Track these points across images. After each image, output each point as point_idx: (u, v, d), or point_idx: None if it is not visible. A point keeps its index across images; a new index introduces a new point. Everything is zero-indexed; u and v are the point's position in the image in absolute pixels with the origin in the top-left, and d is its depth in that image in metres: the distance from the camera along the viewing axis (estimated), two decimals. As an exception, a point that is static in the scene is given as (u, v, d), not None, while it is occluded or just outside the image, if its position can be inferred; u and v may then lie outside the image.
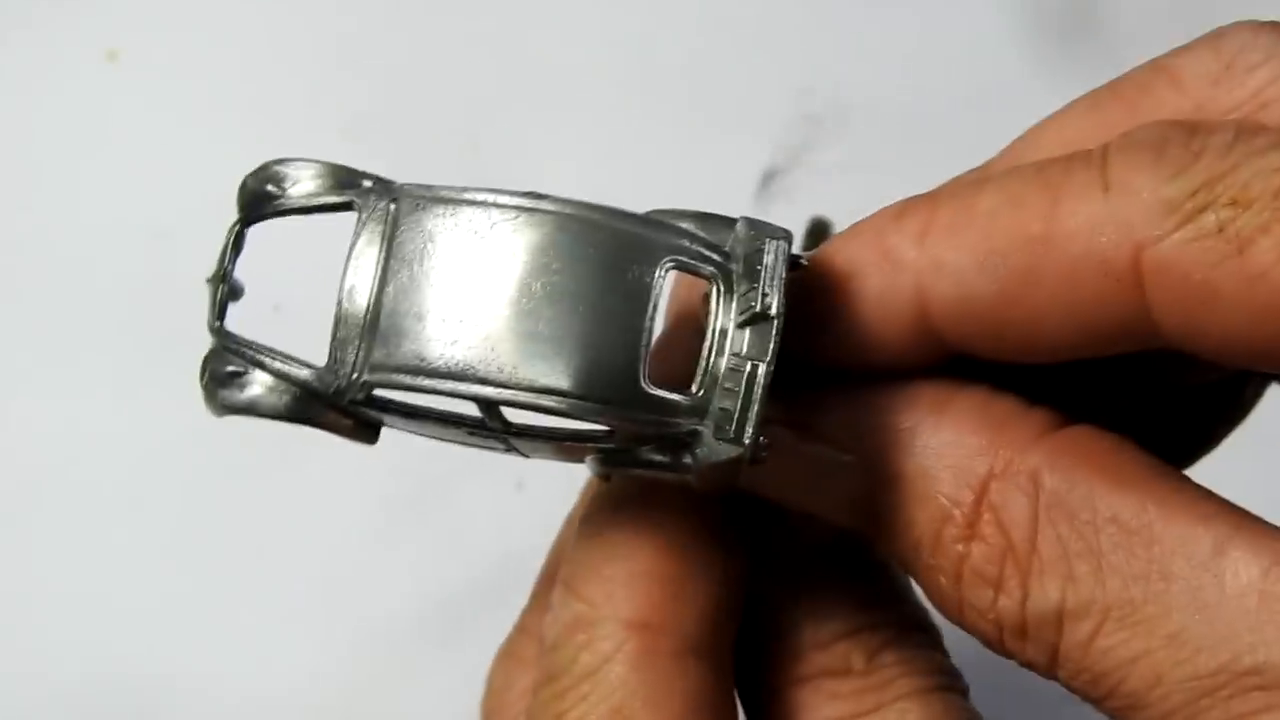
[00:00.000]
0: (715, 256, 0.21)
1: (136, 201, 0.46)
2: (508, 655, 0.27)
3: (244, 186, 0.24)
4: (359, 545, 0.43)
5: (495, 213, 0.21)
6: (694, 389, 0.21)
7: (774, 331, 0.20)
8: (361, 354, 0.21)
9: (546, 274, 0.20)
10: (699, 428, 0.20)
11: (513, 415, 0.21)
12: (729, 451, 0.20)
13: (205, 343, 0.23)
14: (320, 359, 0.23)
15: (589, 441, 0.22)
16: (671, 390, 0.21)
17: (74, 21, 0.48)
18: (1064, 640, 0.20)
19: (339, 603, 0.43)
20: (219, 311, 0.23)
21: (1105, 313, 0.20)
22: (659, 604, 0.22)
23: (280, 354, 0.22)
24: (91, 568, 0.43)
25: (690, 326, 0.22)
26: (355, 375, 0.21)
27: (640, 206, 0.23)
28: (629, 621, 0.22)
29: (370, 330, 0.21)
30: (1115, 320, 0.20)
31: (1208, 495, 0.20)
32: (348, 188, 0.23)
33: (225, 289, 0.23)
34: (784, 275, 0.21)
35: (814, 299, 0.22)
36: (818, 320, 0.22)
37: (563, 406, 0.20)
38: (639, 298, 0.21)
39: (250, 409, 0.23)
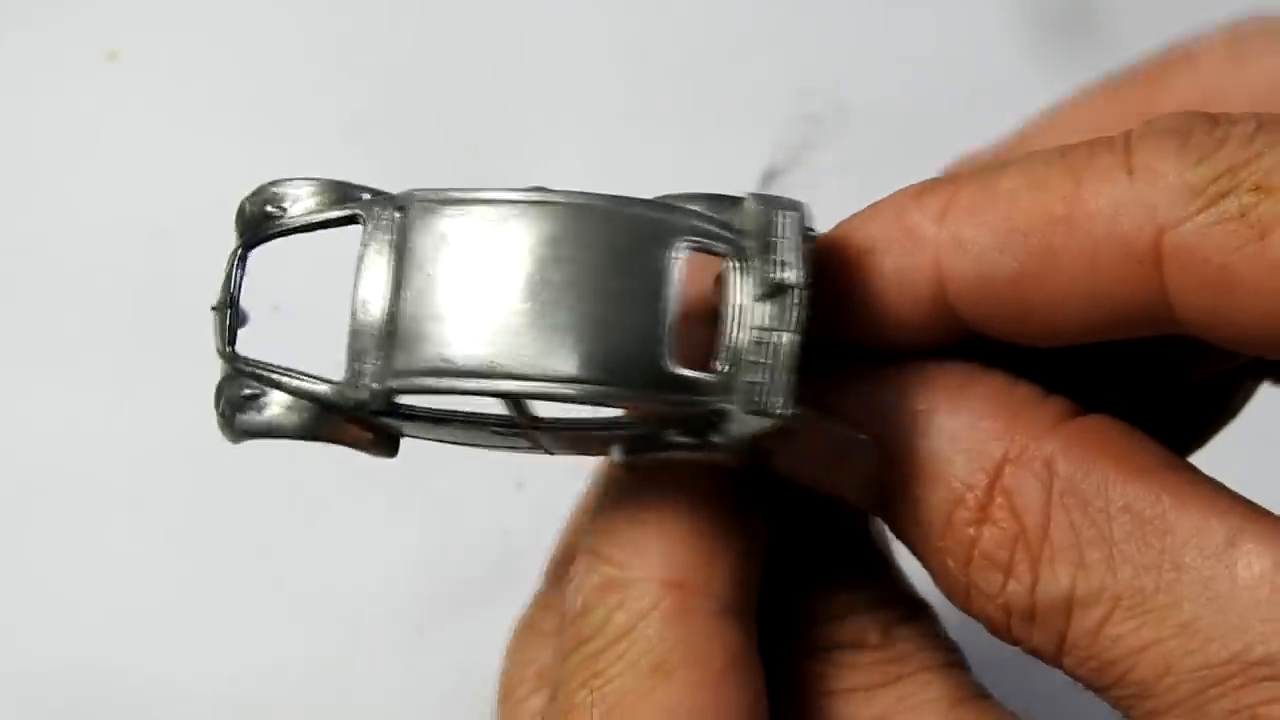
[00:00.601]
0: (728, 234, 0.21)
1: (136, 201, 0.46)
2: (527, 629, 0.27)
3: (241, 211, 0.24)
4: (359, 545, 0.43)
5: (505, 209, 0.21)
6: (718, 366, 0.21)
7: (797, 300, 0.21)
8: (382, 363, 0.21)
9: (562, 264, 0.20)
10: (725, 405, 0.21)
11: (539, 410, 0.21)
12: (761, 424, 0.20)
13: (212, 364, 0.23)
14: (331, 369, 0.23)
15: (615, 429, 0.22)
16: (696, 369, 0.21)
17: (74, 21, 0.48)
18: (1072, 627, 0.20)
19: (338, 602, 0.43)
20: (229, 337, 0.23)
21: (1124, 295, 0.20)
22: (691, 564, 0.22)
23: (296, 371, 0.22)
24: (91, 567, 0.43)
25: (700, 312, 0.22)
26: (377, 385, 0.21)
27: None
28: (663, 581, 0.22)
29: (389, 338, 0.21)
30: (1134, 303, 0.20)
31: (1220, 488, 0.20)
32: (348, 201, 0.23)
33: (233, 314, 0.23)
34: (800, 245, 0.21)
35: (831, 276, 0.22)
36: (834, 297, 0.22)
37: (589, 394, 0.20)
38: (656, 279, 0.20)
39: (270, 431, 0.23)
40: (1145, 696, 0.19)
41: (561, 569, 0.26)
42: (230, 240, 0.25)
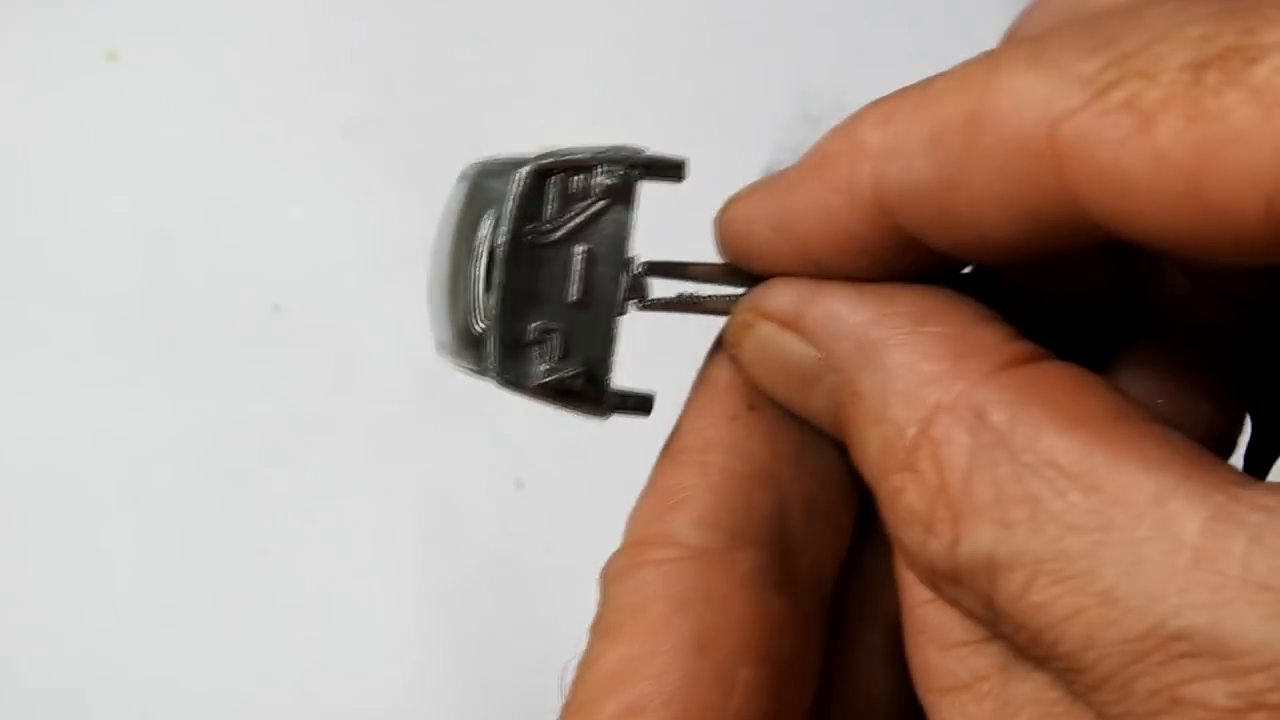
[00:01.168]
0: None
1: (136, 201, 0.46)
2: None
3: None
4: (359, 545, 0.43)
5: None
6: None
7: (485, 254, 0.22)
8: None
9: (444, 248, 0.22)
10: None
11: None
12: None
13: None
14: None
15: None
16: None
17: (74, 21, 0.48)
18: (997, 592, 0.18)
19: (338, 602, 0.43)
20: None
21: (1035, 197, 0.18)
22: (656, 513, 0.21)
23: None
24: (90, 566, 0.43)
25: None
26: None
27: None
28: (630, 543, 0.22)
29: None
30: (1046, 205, 0.18)
31: (1168, 439, 0.18)
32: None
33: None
34: (512, 215, 0.22)
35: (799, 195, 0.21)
36: (805, 216, 0.21)
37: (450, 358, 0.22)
38: (476, 239, 0.22)
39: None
40: (1076, 671, 0.17)
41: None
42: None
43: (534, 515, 0.43)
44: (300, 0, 0.49)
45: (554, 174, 0.22)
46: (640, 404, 0.22)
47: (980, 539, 0.18)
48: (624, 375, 0.22)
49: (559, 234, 0.22)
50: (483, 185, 0.23)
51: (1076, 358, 0.20)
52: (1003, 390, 0.19)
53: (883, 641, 0.23)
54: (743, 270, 0.22)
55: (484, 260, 0.22)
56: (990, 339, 0.19)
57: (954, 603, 0.19)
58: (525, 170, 0.22)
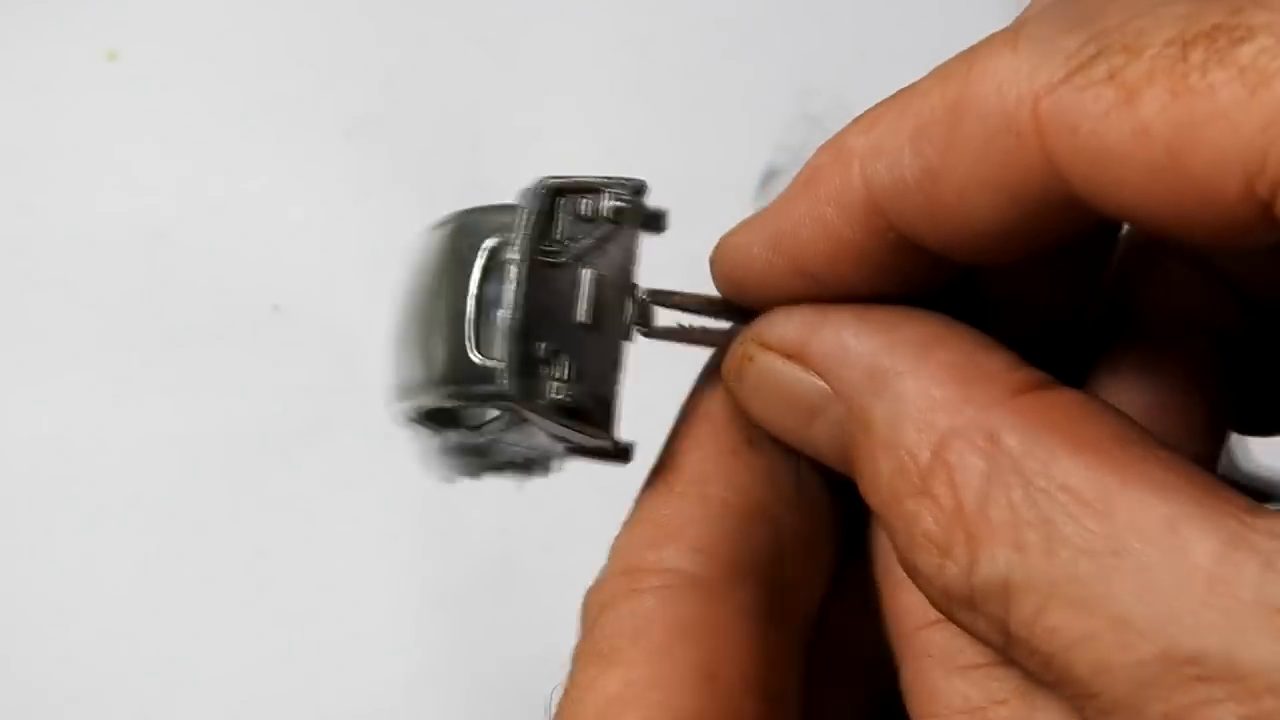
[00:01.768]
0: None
1: (136, 201, 0.46)
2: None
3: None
4: (359, 545, 0.43)
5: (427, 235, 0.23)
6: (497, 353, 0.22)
7: (513, 277, 0.21)
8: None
9: (420, 286, 0.22)
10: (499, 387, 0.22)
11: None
12: (503, 403, 0.21)
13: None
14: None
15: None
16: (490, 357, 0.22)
17: (74, 21, 0.48)
18: (1012, 617, 0.18)
19: (338, 602, 0.43)
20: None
21: (1018, 177, 0.18)
22: (648, 541, 0.21)
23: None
24: (89, 566, 0.43)
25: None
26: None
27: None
28: (619, 570, 0.22)
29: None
30: (1030, 185, 0.18)
31: (1177, 465, 0.18)
32: None
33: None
34: (527, 230, 0.22)
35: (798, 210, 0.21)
36: (799, 230, 0.21)
37: (425, 398, 0.22)
38: (464, 280, 0.22)
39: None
40: (1087, 696, 0.17)
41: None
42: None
43: (534, 515, 0.43)
44: (301, 2, 0.49)
45: (564, 194, 0.22)
46: (623, 452, 0.22)
47: (996, 562, 0.18)
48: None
49: (568, 255, 0.22)
50: (472, 221, 0.22)
51: (1059, 368, 0.20)
52: (1015, 416, 0.19)
53: (850, 681, 0.23)
54: (740, 306, 0.22)
55: (477, 285, 0.22)
56: (996, 365, 0.20)
57: (968, 628, 0.19)
58: (541, 186, 0.22)
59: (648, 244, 0.24)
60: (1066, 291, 0.22)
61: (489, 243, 0.22)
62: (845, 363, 0.21)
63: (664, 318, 0.23)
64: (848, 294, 0.21)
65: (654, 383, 0.23)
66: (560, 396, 0.21)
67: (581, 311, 0.22)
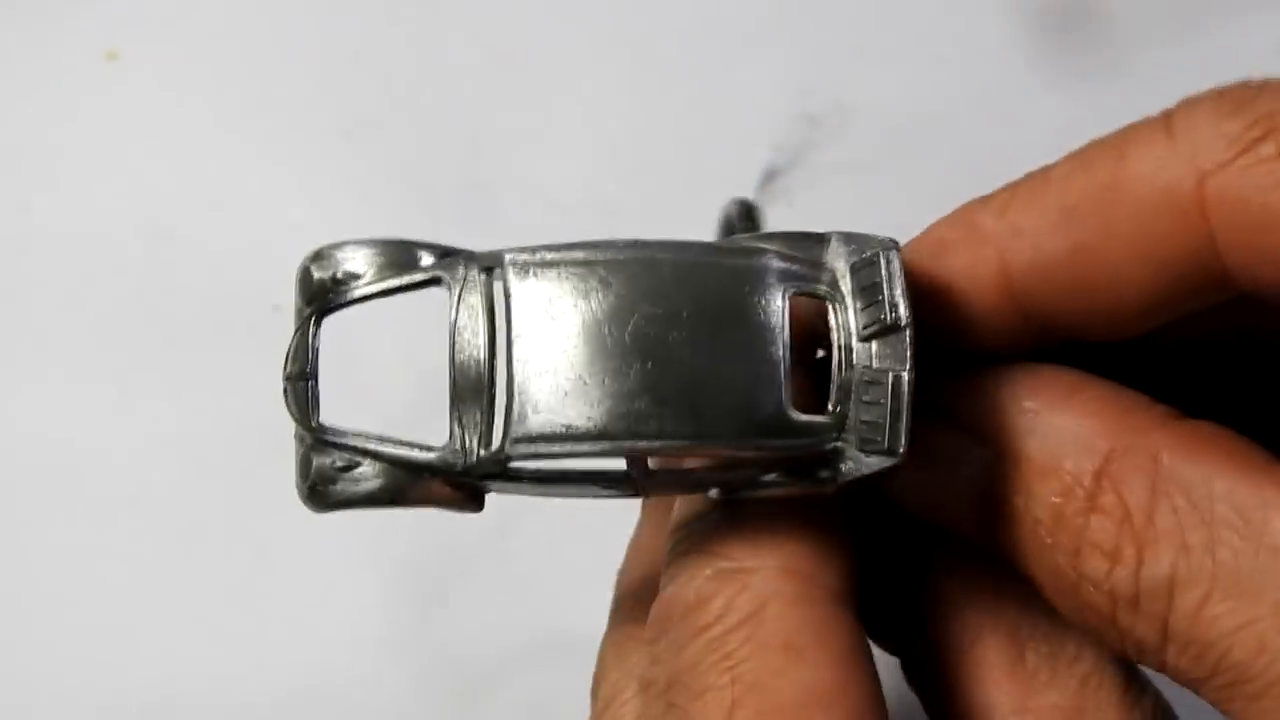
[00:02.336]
0: (823, 276, 0.22)
1: (136, 201, 0.46)
2: (625, 639, 0.26)
3: (306, 276, 0.24)
4: (358, 545, 0.43)
5: (604, 267, 0.21)
6: (830, 406, 0.21)
7: (908, 340, 0.21)
8: (486, 428, 0.21)
9: (673, 320, 0.21)
10: (838, 444, 0.21)
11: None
12: (882, 462, 0.21)
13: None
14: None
15: (720, 473, 0.23)
16: (812, 413, 0.21)
17: (74, 21, 0.48)
18: (1174, 610, 0.20)
19: (338, 602, 0.43)
20: (313, 409, 0.23)
21: (1176, 251, 0.20)
22: (804, 556, 0.23)
23: (388, 439, 0.22)
24: (88, 566, 0.43)
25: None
26: (490, 449, 0.21)
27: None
28: (781, 569, 0.22)
29: (491, 403, 0.21)
30: (1186, 258, 0.20)
31: None
32: (410, 260, 0.23)
33: (313, 385, 0.23)
34: (905, 284, 0.21)
35: (913, 283, 0.22)
36: (920, 302, 0.22)
37: (712, 448, 0.21)
38: (769, 329, 0.21)
39: (369, 501, 0.22)
40: (1244, 680, 0.20)
41: (641, 586, 0.27)
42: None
43: (534, 515, 0.43)
44: (301, 1, 0.49)
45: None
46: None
47: (1162, 561, 0.20)
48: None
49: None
50: (768, 265, 0.21)
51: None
52: (1171, 438, 0.21)
53: None
54: None
55: (788, 335, 0.21)
56: (1137, 401, 0.22)
57: (1125, 634, 0.21)
58: (885, 250, 0.22)
59: (659, 225, 0.24)
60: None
61: (789, 289, 0.21)
62: (992, 409, 0.22)
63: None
64: (971, 352, 0.23)
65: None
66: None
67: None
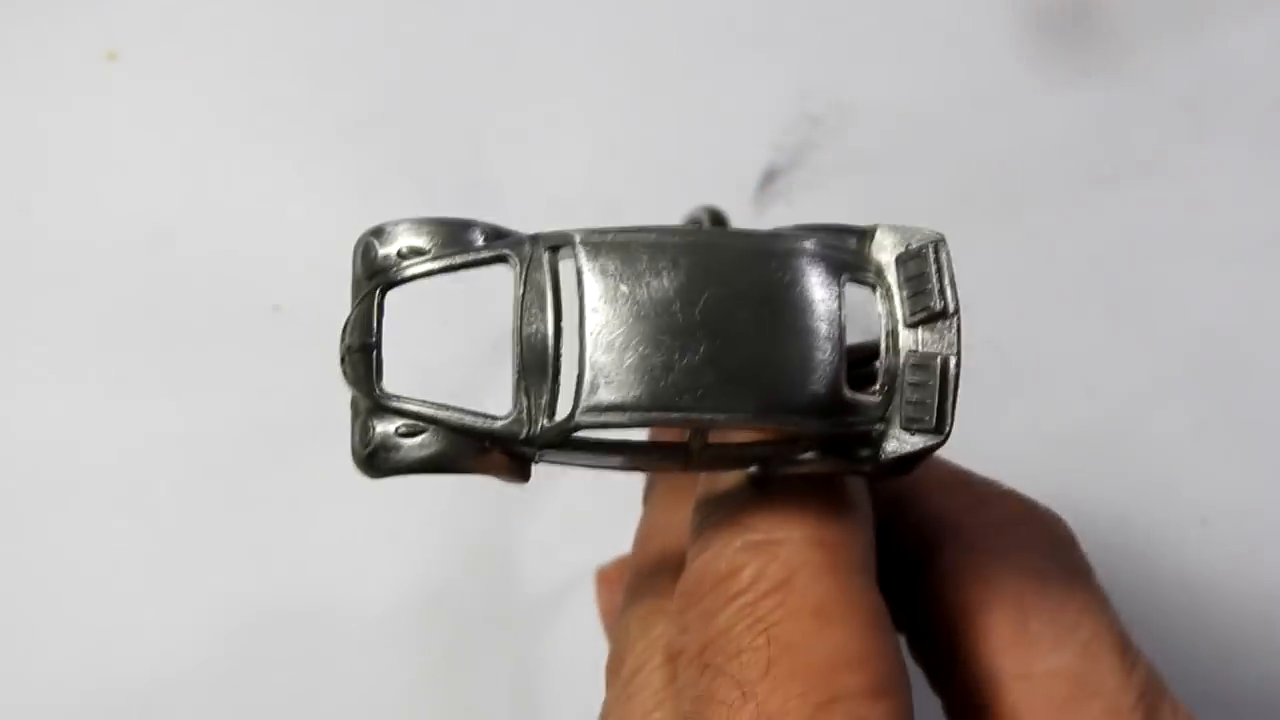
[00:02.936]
0: (870, 265, 0.23)
1: (136, 201, 0.46)
2: (650, 611, 0.27)
3: (370, 249, 0.24)
4: (358, 545, 0.44)
5: (673, 250, 0.22)
6: (878, 387, 0.23)
7: (957, 326, 0.22)
8: (551, 398, 0.22)
9: (742, 302, 0.22)
10: (880, 425, 0.22)
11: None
12: (927, 441, 0.22)
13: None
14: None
15: (765, 449, 0.24)
16: (864, 393, 0.22)
17: (74, 21, 0.48)
18: None
19: (338, 602, 0.43)
20: (376, 375, 0.23)
21: None
22: (833, 529, 0.23)
23: (453, 407, 0.23)
24: (87, 566, 0.43)
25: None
26: (556, 419, 0.22)
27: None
28: (810, 540, 0.23)
29: (557, 375, 0.22)
30: None
31: None
32: (463, 238, 0.24)
33: (378, 355, 0.23)
34: (952, 274, 0.22)
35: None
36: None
37: (771, 423, 0.22)
38: (826, 312, 0.22)
39: (429, 465, 0.23)
40: None
41: (660, 563, 0.28)
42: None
43: (537, 515, 0.43)
44: (301, 1, 0.49)
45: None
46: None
47: None
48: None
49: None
50: (824, 252, 0.23)
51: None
52: None
53: None
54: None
55: (842, 318, 0.22)
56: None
57: None
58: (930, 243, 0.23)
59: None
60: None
61: (844, 277, 0.22)
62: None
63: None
64: None
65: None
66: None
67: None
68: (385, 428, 0.23)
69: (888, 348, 0.23)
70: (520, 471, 0.24)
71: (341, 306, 0.25)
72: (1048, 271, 0.46)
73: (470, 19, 0.49)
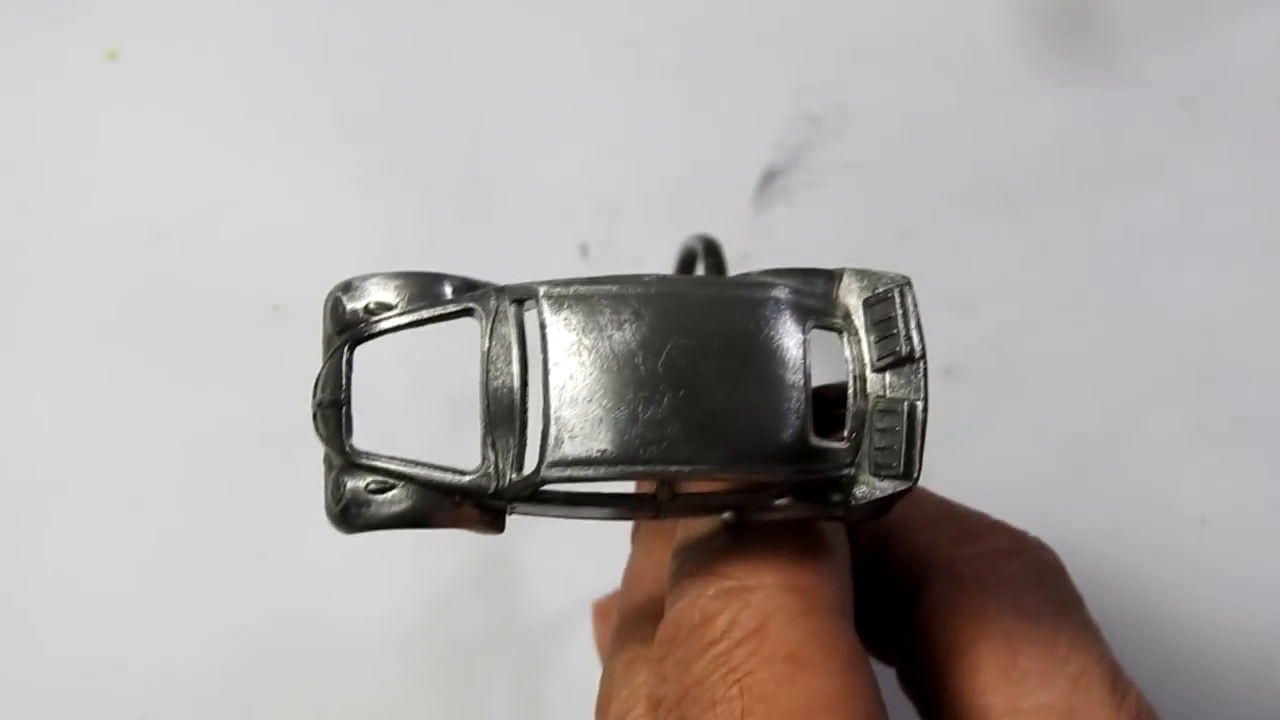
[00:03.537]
0: (837, 310, 0.23)
1: (136, 201, 0.46)
2: (633, 659, 0.27)
3: (338, 305, 0.24)
4: (358, 545, 0.43)
5: (637, 301, 0.22)
6: (846, 434, 0.22)
7: (923, 371, 0.22)
8: (519, 453, 0.22)
9: (707, 353, 0.22)
10: (850, 470, 0.22)
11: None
12: (896, 486, 0.22)
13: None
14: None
15: (747, 494, 0.24)
16: (832, 439, 0.22)
17: (74, 21, 0.48)
18: None
19: (337, 602, 0.43)
20: (346, 432, 0.23)
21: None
22: (806, 574, 0.23)
23: (422, 463, 0.23)
24: (87, 567, 0.43)
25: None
26: (524, 473, 0.22)
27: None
28: (782, 585, 0.23)
29: (524, 429, 0.22)
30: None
31: None
32: (432, 293, 0.23)
33: (347, 411, 0.23)
34: (919, 318, 0.22)
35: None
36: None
37: (754, 473, 0.22)
38: (791, 360, 0.22)
39: (400, 522, 0.23)
40: None
41: (644, 609, 0.28)
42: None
43: (539, 527, 0.43)
44: (301, 1, 0.49)
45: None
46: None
47: None
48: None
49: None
50: (785, 298, 0.22)
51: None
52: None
53: None
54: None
55: (808, 366, 0.22)
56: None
57: None
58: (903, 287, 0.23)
59: (650, 247, 0.24)
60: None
61: (810, 324, 0.22)
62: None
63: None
64: None
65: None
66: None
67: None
68: (356, 484, 0.23)
69: (855, 392, 0.23)
70: (494, 524, 0.24)
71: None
72: (1048, 271, 0.46)
73: (470, 19, 0.49)
